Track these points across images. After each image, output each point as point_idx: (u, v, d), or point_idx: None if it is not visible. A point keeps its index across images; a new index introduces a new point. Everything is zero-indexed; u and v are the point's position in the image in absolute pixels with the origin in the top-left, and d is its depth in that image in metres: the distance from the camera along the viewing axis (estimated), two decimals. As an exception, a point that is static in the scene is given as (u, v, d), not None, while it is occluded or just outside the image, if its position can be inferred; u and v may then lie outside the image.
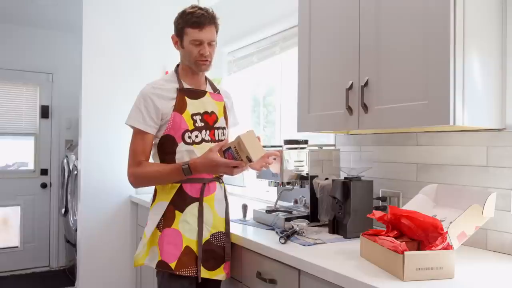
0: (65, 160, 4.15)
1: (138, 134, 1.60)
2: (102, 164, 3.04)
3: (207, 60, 1.63)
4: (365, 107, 1.49)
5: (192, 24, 1.58)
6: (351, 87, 1.55)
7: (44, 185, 4.47)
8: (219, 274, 1.64)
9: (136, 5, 3.19)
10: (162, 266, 1.55)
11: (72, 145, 4.33)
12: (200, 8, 1.61)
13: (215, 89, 1.79)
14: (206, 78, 1.79)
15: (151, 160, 1.66)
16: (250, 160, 1.49)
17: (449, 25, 1.23)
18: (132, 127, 1.62)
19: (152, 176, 1.58)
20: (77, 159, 3.39)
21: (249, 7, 2.99)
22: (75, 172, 3.55)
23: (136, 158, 1.59)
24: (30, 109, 4.43)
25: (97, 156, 3.02)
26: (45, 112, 4.47)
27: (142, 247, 1.62)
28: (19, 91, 4.39)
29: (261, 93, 3.09)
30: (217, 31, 1.68)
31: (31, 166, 4.46)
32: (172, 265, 1.55)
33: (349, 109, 1.55)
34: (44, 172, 4.48)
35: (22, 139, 4.42)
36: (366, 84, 1.49)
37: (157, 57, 3.25)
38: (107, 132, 3.05)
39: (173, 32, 1.68)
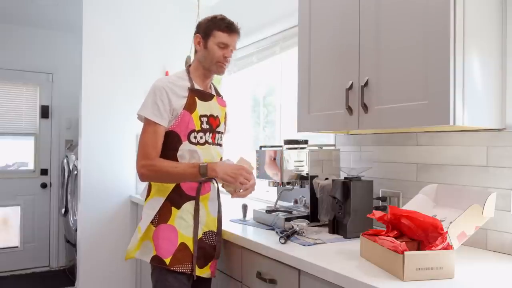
0: (65, 160, 4.15)
1: (151, 126, 1.60)
2: (102, 164, 3.04)
3: (225, 64, 1.70)
4: (365, 107, 1.49)
5: (224, 28, 1.67)
6: (351, 87, 1.55)
7: (44, 185, 4.47)
8: (206, 272, 1.67)
9: (136, 5, 3.19)
10: (156, 260, 1.57)
11: (72, 145, 4.33)
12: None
13: (218, 94, 1.83)
14: (211, 83, 1.83)
15: None
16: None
17: (449, 24, 1.23)
18: (145, 118, 1.61)
19: (166, 170, 1.57)
20: (77, 159, 3.39)
21: (249, 7, 2.99)
22: (75, 172, 3.55)
23: (147, 150, 1.59)
24: (30, 109, 4.43)
25: (97, 156, 3.02)
26: (45, 112, 4.47)
27: (136, 241, 1.64)
28: (19, 91, 4.39)
29: (261, 93, 3.09)
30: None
31: (31, 166, 4.46)
32: (167, 260, 1.57)
33: (349, 109, 1.55)
34: (44, 172, 4.48)
35: (22, 139, 4.41)
36: (366, 84, 1.49)
37: (157, 57, 3.25)
38: (107, 132, 3.05)
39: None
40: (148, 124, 1.61)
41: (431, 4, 1.28)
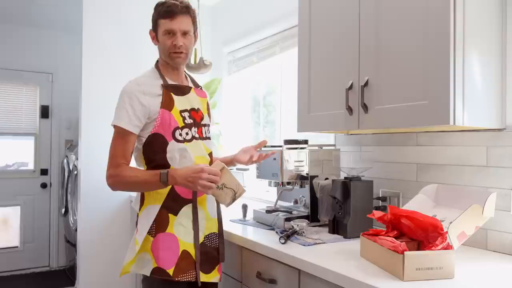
0: (65, 160, 4.15)
1: (120, 134, 1.52)
2: (102, 164, 2.98)
3: (181, 52, 1.56)
4: (365, 107, 1.49)
5: (164, 14, 1.53)
6: (351, 87, 1.55)
7: (44, 185, 4.47)
8: (215, 276, 1.59)
9: (136, 5, 3.19)
10: (158, 273, 1.48)
11: (72, 145, 4.34)
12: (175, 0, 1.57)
13: (196, 85, 1.73)
14: (186, 74, 1.72)
15: (134, 163, 1.57)
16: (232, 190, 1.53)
17: (449, 25, 1.23)
18: (115, 126, 1.53)
19: (129, 181, 1.49)
20: (77, 159, 3.39)
21: (249, 7, 2.99)
22: (75, 172, 3.55)
23: (115, 159, 1.51)
24: (30, 109, 4.43)
25: (97, 156, 3.02)
26: (45, 112, 4.47)
27: (132, 255, 1.52)
28: (19, 91, 4.39)
29: (261, 93, 3.09)
30: (194, 23, 1.61)
31: (31, 166, 4.46)
32: (170, 271, 1.47)
33: (349, 109, 1.55)
34: (44, 172, 4.48)
35: (22, 139, 4.41)
36: (366, 84, 1.49)
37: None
38: (107, 132, 2.99)
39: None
40: (117, 131, 1.53)
41: (431, 5, 1.28)
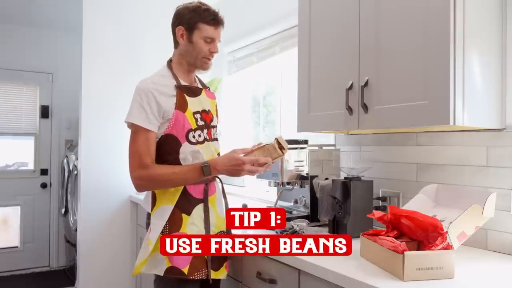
0: (65, 160, 4.15)
1: (141, 132, 1.49)
2: (102, 164, 3.04)
3: (211, 59, 1.63)
4: (365, 107, 1.49)
5: (210, 21, 1.57)
6: (351, 87, 1.55)
7: (44, 185, 4.47)
8: (223, 273, 1.62)
9: (136, 5, 3.19)
10: (173, 272, 1.49)
11: (72, 145, 4.34)
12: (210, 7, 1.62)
13: (205, 86, 1.74)
14: (195, 75, 1.73)
15: None
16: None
17: (449, 25, 1.23)
18: (133, 125, 1.51)
19: (166, 178, 1.49)
20: (77, 159, 3.39)
21: (249, 7, 2.99)
22: (75, 172, 3.55)
23: (141, 159, 1.48)
24: (30, 109, 4.43)
25: (97, 156, 3.02)
26: (45, 112, 4.47)
27: (146, 255, 1.52)
28: (19, 91, 4.39)
29: (261, 93, 3.09)
30: None
31: (31, 166, 4.46)
32: (185, 270, 1.49)
33: (349, 109, 1.55)
34: (44, 172, 4.48)
35: (22, 139, 4.42)
36: (366, 84, 1.49)
37: (158, 57, 3.21)
38: (107, 132, 3.05)
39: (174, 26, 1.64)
40: (137, 131, 1.50)
41: (431, 4, 1.28)
